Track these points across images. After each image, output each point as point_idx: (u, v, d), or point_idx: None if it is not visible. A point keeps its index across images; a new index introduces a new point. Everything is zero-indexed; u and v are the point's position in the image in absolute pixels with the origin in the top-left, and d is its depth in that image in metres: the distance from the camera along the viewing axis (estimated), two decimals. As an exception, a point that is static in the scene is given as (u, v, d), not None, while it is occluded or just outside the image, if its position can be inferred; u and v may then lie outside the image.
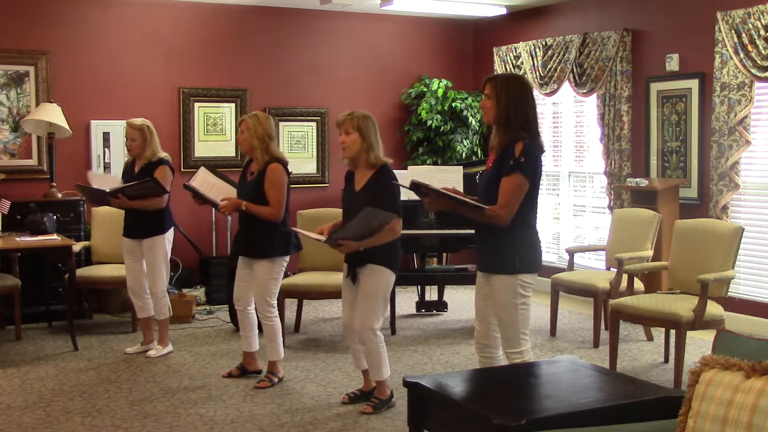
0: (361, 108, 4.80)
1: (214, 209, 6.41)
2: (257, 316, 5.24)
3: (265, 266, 5.08)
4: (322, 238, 4.45)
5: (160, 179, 5.67)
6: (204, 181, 5.31)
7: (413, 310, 7.29)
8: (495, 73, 8.59)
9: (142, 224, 5.79)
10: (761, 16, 6.15)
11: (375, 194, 4.42)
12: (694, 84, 6.86)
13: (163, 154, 5.85)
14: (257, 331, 5.34)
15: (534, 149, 3.80)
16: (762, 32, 6.15)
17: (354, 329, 4.62)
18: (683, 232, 5.55)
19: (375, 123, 4.58)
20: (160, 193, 5.67)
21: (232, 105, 8.14)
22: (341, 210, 4.76)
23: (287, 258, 5.17)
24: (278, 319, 5.21)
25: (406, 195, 4.91)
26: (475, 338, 4.11)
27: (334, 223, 4.59)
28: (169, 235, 5.86)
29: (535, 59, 8.18)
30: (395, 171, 4.70)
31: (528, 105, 3.85)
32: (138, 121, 5.83)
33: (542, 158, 3.90)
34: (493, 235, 3.87)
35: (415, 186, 3.80)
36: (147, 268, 5.87)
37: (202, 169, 5.42)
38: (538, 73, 8.13)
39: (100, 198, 5.87)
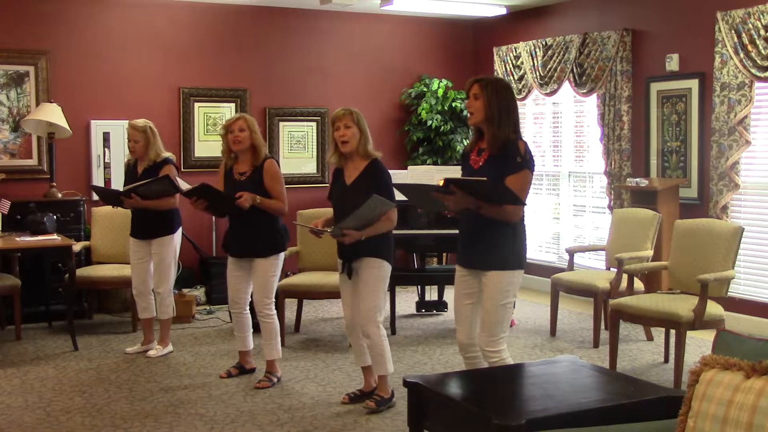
0: (360, 108, 4.86)
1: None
2: (256, 315, 5.23)
3: (270, 263, 5.10)
4: (328, 229, 4.49)
5: None
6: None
7: (413, 310, 7.28)
8: (495, 73, 8.60)
9: (152, 224, 5.76)
10: (761, 16, 6.15)
11: (370, 185, 4.49)
12: (694, 84, 6.86)
13: (167, 154, 5.83)
14: (252, 330, 5.36)
15: (529, 148, 3.93)
16: (762, 32, 6.15)
17: (356, 324, 4.65)
18: (683, 232, 5.55)
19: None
20: (173, 192, 5.59)
21: (232, 105, 8.13)
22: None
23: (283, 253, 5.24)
24: (276, 317, 5.22)
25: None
26: (459, 340, 4.09)
27: (325, 219, 4.70)
28: (178, 234, 5.85)
29: (535, 59, 8.18)
30: (395, 171, 4.75)
31: (516, 107, 3.97)
32: (140, 122, 5.77)
33: None
34: (492, 232, 3.87)
35: (446, 184, 3.75)
36: (155, 267, 5.84)
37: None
38: (538, 73, 8.13)
39: (114, 198, 5.82)
